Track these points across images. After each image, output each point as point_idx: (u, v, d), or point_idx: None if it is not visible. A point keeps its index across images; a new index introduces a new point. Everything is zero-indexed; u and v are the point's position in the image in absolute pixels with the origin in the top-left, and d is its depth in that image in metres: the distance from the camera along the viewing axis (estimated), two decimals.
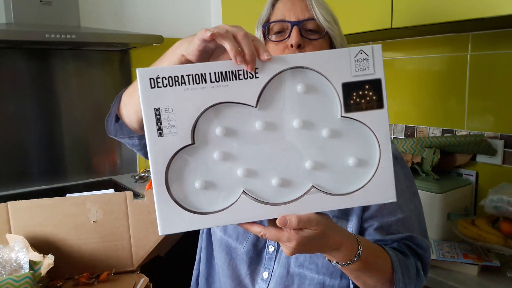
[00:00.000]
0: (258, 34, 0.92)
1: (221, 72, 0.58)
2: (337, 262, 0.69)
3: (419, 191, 1.37)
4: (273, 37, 0.89)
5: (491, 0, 1.08)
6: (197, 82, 0.58)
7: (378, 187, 0.61)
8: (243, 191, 0.60)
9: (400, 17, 1.29)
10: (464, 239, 1.23)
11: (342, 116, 0.60)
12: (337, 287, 0.83)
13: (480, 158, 1.46)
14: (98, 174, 2.27)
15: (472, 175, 1.48)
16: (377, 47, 0.60)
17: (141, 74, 0.57)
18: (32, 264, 1.03)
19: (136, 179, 2.19)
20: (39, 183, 2.10)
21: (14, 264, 1.00)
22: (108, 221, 1.20)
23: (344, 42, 0.92)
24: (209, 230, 1.04)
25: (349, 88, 0.60)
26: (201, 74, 0.58)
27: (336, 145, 0.61)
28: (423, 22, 1.25)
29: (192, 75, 0.58)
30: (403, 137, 1.69)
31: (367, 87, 0.60)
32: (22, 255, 1.02)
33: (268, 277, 0.89)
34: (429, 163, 1.45)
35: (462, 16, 1.15)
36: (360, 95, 0.60)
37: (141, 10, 2.34)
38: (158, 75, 0.57)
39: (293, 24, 0.86)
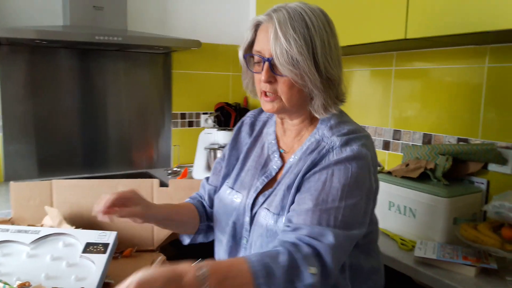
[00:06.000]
0: (241, 54, 1.00)
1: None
2: None
3: (427, 195, 1.42)
4: (253, 67, 0.98)
5: (509, 12, 1.09)
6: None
7: None
8: None
9: (415, 27, 1.34)
10: (463, 241, 1.27)
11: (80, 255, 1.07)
12: None
13: (492, 167, 1.49)
14: (136, 167, 2.46)
15: (483, 183, 1.51)
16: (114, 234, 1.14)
17: None
18: None
19: (169, 173, 2.35)
20: (82, 172, 2.31)
21: None
22: None
23: (324, 59, 0.89)
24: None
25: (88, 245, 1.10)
26: None
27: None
28: (438, 33, 1.29)
29: None
30: (420, 144, 1.74)
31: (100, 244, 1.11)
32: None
33: None
34: (441, 169, 1.50)
35: (479, 27, 1.17)
36: (94, 247, 1.09)
37: (183, 16, 2.51)
38: None
39: (264, 60, 0.91)
